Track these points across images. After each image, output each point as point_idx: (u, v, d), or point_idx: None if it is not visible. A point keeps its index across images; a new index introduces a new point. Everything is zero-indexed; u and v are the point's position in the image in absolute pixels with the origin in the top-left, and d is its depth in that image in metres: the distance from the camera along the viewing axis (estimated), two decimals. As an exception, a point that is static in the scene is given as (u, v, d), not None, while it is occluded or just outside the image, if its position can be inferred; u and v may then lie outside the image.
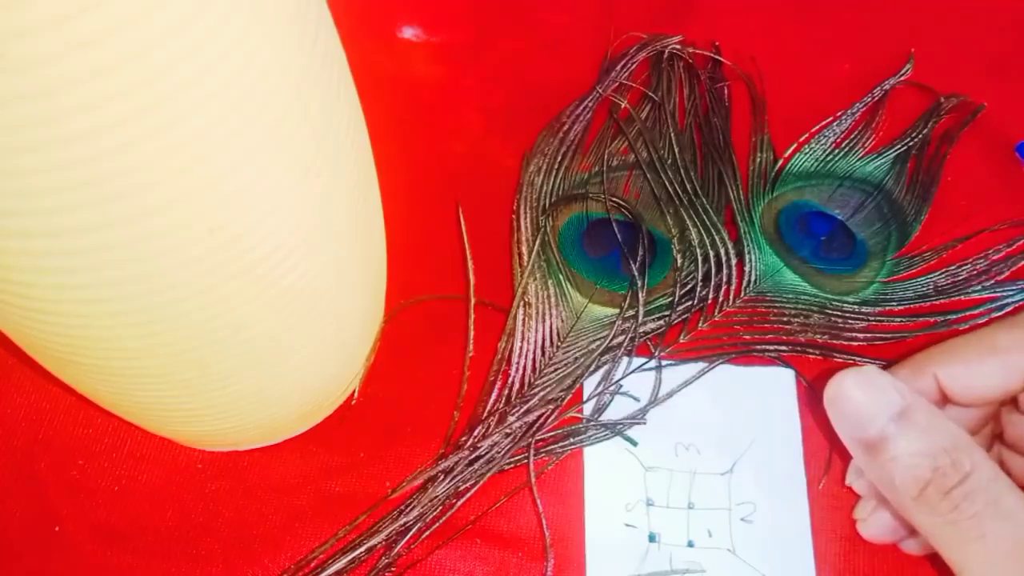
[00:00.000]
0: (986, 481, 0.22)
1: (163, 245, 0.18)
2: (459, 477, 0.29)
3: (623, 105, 0.38)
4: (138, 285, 0.19)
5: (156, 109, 0.16)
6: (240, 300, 0.21)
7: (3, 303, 0.19)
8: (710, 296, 0.33)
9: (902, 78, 0.40)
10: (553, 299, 0.33)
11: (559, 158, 0.37)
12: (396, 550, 0.28)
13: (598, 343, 0.32)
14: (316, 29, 0.20)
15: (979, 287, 0.34)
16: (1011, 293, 0.34)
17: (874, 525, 0.28)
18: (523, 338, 0.32)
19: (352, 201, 0.25)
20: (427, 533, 0.29)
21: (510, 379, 0.32)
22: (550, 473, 0.31)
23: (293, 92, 0.19)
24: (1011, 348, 0.25)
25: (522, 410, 0.31)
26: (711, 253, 0.34)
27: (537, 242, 0.34)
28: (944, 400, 0.27)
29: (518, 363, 0.32)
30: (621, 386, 0.32)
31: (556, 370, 0.32)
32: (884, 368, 0.27)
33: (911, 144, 0.38)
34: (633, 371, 0.32)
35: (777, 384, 0.32)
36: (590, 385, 0.32)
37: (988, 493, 0.22)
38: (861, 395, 0.24)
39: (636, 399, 0.32)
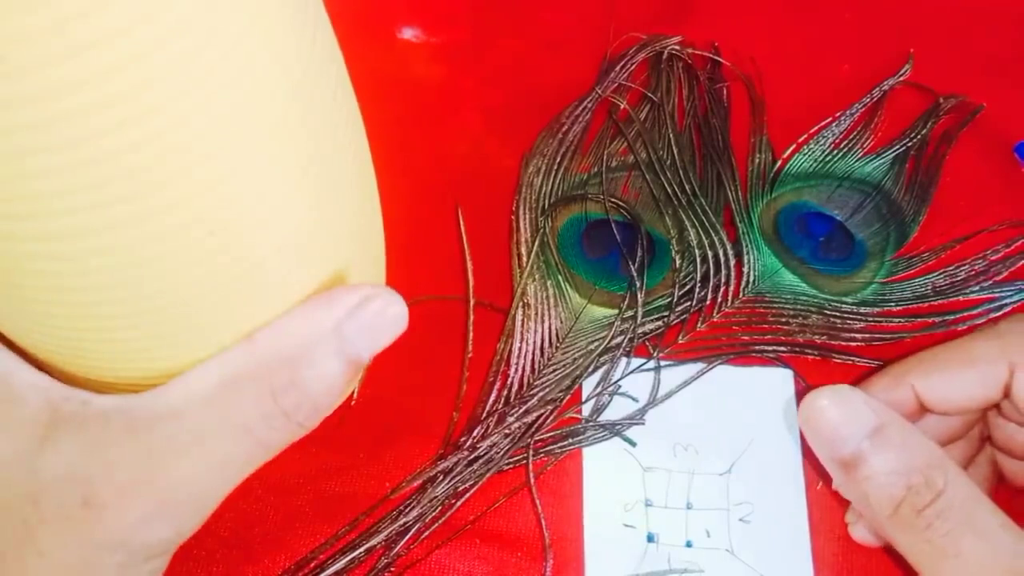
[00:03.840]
0: (960, 499, 0.22)
1: (163, 248, 0.18)
2: (458, 478, 0.30)
3: (622, 106, 0.38)
4: (139, 288, 0.19)
5: (153, 113, 0.16)
6: (240, 302, 0.21)
7: (4, 304, 0.19)
8: (709, 297, 0.33)
9: (901, 78, 0.40)
10: (552, 300, 0.33)
11: (558, 159, 0.37)
12: (395, 550, 0.28)
13: (597, 344, 0.32)
14: (314, 30, 0.20)
15: (977, 288, 0.34)
16: (1009, 294, 0.34)
17: (864, 529, 0.28)
18: (522, 339, 0.32)
19: (351, 202, 0.25)
20: (426, 533, 0.29)
21: (509, 380, 0.32)
22: (549, 473, 0.31)
23: (292, 93, 0.19)
24: (988, 359, 0.25)
25: (521, 411, 0.31)
26: (710, 254, 0.34)
27: (536, 243, 0.34)
28: (923, 410, 0.27)
29: (517, 364, 0.32)
30: (620, 387, 0.32)
31: (555, 371, 0.32)
32: (871, 372, 0.27)
33: (910, 144, 0.38)
34: (632, 372, 0.32)
35: (775, 385, 0.32)
36: (589, 386, 0.32)
37: (962, 511, 0.22)
38: (835, 414, 0.24)
39: (635, 400, 0.32)
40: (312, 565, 0.29)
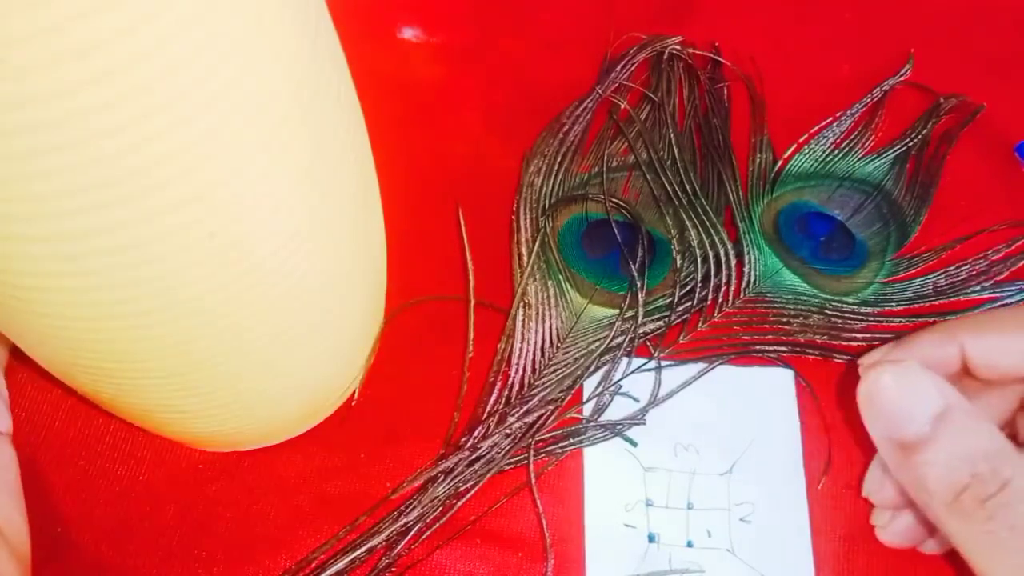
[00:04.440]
0: None
1: (164, 249, 0.18)
2: (459, 478, 0.30)
3: (623, 106, 0.38)
4: (139, 288, 0.19)
5: (154, 114, 0.16)
6: (241, 303, 0.21)
7: (5, 306, 0.19)
8: (709, 297, 0.33)
9: (902, 78, 0.40)
10: (553, 300, 0.33)
11: (559, 159, 0.37)
12: (396, 550, 0.28)
13: (598, 344, 0.32)
14: (316, 30, 0.20)
15: (978, 288, 0.34)
16: (1010, 294, 0.34)
17: (893, 531, 0.28)
18: (523, 339, 0.32)
19: (352, 202, 0.25)
20: (427, 534, 0.29)
21: (510, 380, 0.32)
22: (550, 473, 0.31)
23: (293, 93, 0.19)
24: None
25: (522, 411, 0.31)
26: (710, 254, 0.34)
27: (537, 243, 0.34)
28: (964, 374, 0.25)
29: (518, 364, 0.32)
30: (621, 387, 0.32)
31: (556, 371, 0.32)
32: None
33: (911, 144, 0.38)
34: (633, 372, 0.32)
35: (776, 384, 0.32)
36: (590, 386, 0.32)
37: None
38: (899, 393, 0.22)
39: (636, 400, 0.32)
40: (313, 565, 0.28)
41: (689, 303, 0.33)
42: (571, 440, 0.31)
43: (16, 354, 0.31)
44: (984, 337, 0.25)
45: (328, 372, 0.29)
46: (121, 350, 0.21)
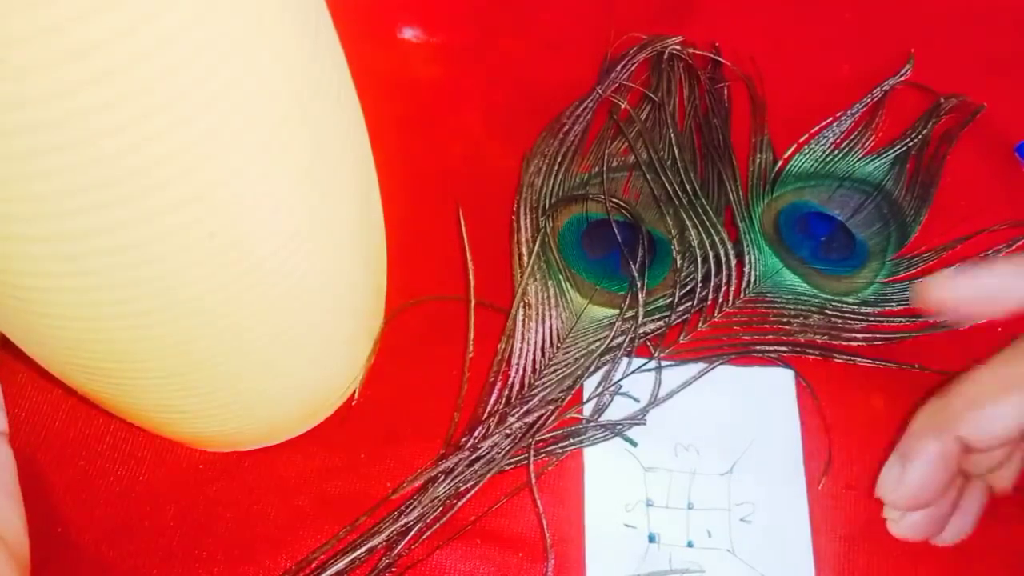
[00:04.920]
0: None
1: (164, 249, 0.18)
2: (459, 478, 0.30)
3: (623, 106, 0.38)
4: (139, 288, 0.19)
5: (155, 114, 0.16)
6: (241, 303, 0.21)
7: (4, 306, 0.19)
8: (710, 297, 0.33)
9: (902, 78, 0.40)
10: (553, 300, 0.33)
11: (559, 159, 0.37)
12: (397, 550, 0.28)
13: (598, 344, 0.32)
14: (316, 30, 0.20)
15: (978, 288, 0.34)
16: (1010, 294, 0.34)
17: (905, 526, 0.28)
18: (523, 339, 0.32)
19: (352, 202, 0.25)
20: (428, 534, 0.29)
21: (510, 380, 0.32)
22: (550, 474, 0.31)
23: (293, 93, 0.19)
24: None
25: (522, 411, 0.31)
26: (711, 254, 0.34)
27: (537, 243, 0.34)
28: (966, 450, 0.25)
29: (518, 364, 0.32)
30: (621, 387, 0.32)
31: (556, 371, 0.32)
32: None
33: (911, 144, 0.38)
34: (633, 372, 0.32)
35: (777, 384, 0.32)
36: (590, 386, 0.32)
37: None
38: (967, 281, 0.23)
39: (636, 400, 0.32)
40: (313, 565, 0.28)
41: (689, 303, 0.33)
42: (571, 440, 0.31)
43: (16, 354, 0.31)
44: (975, 420, 0.25)
45: (328, 372, 0.29)
46: (121, 350, 0.21)
